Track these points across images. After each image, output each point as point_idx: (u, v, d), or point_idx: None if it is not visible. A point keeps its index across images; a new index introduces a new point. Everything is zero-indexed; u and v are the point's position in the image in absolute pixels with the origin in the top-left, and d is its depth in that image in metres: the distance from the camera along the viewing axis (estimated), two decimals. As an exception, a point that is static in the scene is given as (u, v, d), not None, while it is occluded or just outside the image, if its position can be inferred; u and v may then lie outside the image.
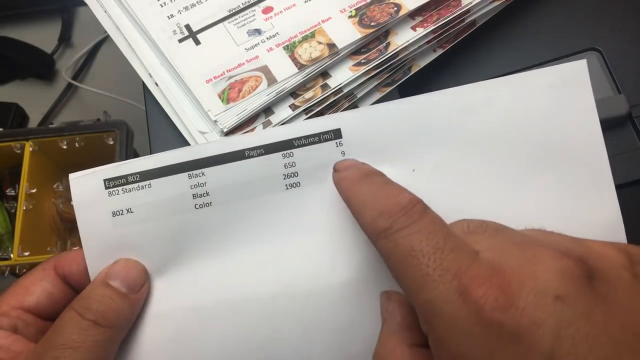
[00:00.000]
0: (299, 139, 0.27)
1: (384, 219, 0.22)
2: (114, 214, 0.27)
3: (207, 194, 0.27)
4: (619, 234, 0.26)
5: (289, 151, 0.27)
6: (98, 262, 0.27)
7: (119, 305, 0.26)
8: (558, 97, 0.27)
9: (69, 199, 0.67)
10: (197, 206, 0.27)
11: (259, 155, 0.27)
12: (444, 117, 0.27)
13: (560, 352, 0.17)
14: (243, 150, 0.27)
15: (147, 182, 0.27)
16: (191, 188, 0.27)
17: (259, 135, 0.28)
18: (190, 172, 0.27)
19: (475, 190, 0.27)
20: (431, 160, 0.27)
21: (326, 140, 0.27)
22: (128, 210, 0.27)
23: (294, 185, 0.28)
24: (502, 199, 0.27)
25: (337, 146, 0.27)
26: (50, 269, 0.28)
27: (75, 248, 0.29)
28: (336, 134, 0.27)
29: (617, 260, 0.20)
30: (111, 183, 0.27)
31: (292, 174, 0.27)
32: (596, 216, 0.26)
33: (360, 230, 0.26)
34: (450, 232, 0.21)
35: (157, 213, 0.27)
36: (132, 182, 0.27)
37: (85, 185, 0.27)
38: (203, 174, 0.27)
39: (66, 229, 0.68)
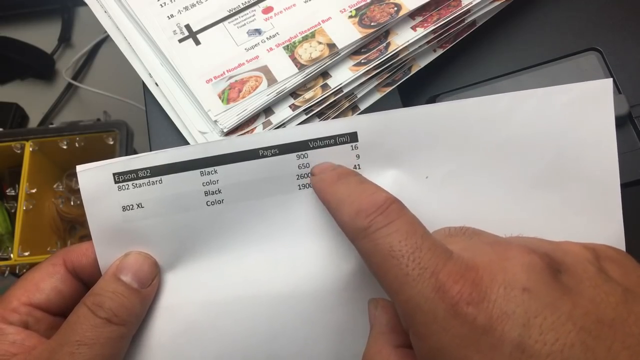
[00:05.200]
0: (315, 140, 0.27)
1: (362, 217, 0.22)
2: (124, 208, 0.27)
3: (219, 191, 0.27)
4: None
5: (303, 152, 0.27)
6: (108, 256, 0.28)
7: (131, 302, 0.26)
8: (578, 115, 0.27)
9: (69, 199, 0.67)
10: (209, 203, 0.28)
11: (273, 155, 0.27)
12: (462, 127, 0.27)
13: (529, 340, 0.18)
14: (257, 149, 0.27)
15: (158, 178, 0.27)
16: (203, 185, 0.27)
17: (274, 135, 0.27)
18: (203, 169, 0.27)
19: (485, 201, 0.27)
20: (445, 168, 0.27)
21: (342, 142, 0.27)
22: (138, 205, 0.27)
23: (308, 186, 0.28)
24: (511, 211, 0.27)
25: (352, 149, 0.27)
26: (59, 264, 0.28)
27: (84, 242, 0.29)
28: (352, 137, 0.27)
29: (583, 256, 0.21)
30: (121, 177, 0.27)
31: (306, 175, 0.27)
32: (599, 234, 0.26)
33: None
34: (426, 232, 0.22)
35: (168, 209, 0.27)
36: (143, 177, 0.27)
37: (94, 179, 0.27)
38: (215, 171, 0.27)
39: (66, 229, 0.68)
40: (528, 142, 0.27)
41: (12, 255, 0.59)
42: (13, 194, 0.66)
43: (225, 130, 0.31)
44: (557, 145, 0.27)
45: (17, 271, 0.60)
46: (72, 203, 0.67)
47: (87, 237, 0.27)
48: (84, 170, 0.27)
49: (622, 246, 0.26)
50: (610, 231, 0.27)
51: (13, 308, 0.27)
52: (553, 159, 0.27)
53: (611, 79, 0.27)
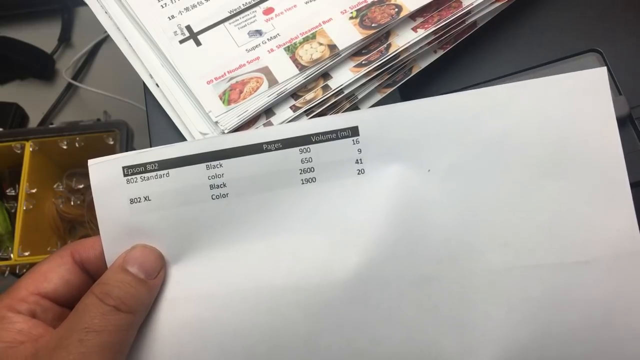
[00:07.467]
0: (317, 134, 0.28)
1: None
2: (132, 201, 0.28)
3: (224, 185, 0.28)
4: (635, 243, 0.27)
5: (306, 146, 0.28)
6: (115, 248, 0.28)
7: (138, 291, 0.26)
8: (576, 104, 0.27)
9: (69, 199, 0.67)
10: (214, 197, 0.28)
11: (276, 149, 0.28)
12: (462, 119, 0.27)
13: None
14: (261, 144, 0.28)
15: (165, 171, 0.28)
16: (209, 179, 0.28)
17: (278, 130, 0.28)
18: (209, 163, 0.28)
19: (489, 193, 0.27)
20: (447, 161, 0.28)
21: (343, 137, 0.28)
22: (146, 198, 0.28)
23: (310, 180, 0.28)
24: (515, 203, 0.27)
25: (354, 143, 0.28)
26: (67, 256, 0.28)
27: (91, 236, 0.29)
28: (353, 131, 0.28)
29: None
30: (130, 170, 0.28)
31: (309, 169, 0.28)
32: (611, 224, 0.27)
33: (371, 228, 0.26)
34: None
35: (174, 202, 0.28)
36: (151, 171, 0.28)
37: (104, 172, 0.28)
38: (221, 165, 0.28)
39: (66, 229, 0.68)
40: (529, 133, 0.27)
41: (12, 255, 0.59)
42: (13, 194, 0.66)
43: (226, 131, 0.31)
44: (558, 134, 0.27)
45: (17, 271, 0.60)
46: (72, 203, 0.67)
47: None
48: (95, 164, 0.28)
49: (636, 236, 0.26)
50: (622, 220, 0.27)
51: (21, 297, 0.27)
52: (556, 149, 0.27)
53: (605, 68, 0.27)
